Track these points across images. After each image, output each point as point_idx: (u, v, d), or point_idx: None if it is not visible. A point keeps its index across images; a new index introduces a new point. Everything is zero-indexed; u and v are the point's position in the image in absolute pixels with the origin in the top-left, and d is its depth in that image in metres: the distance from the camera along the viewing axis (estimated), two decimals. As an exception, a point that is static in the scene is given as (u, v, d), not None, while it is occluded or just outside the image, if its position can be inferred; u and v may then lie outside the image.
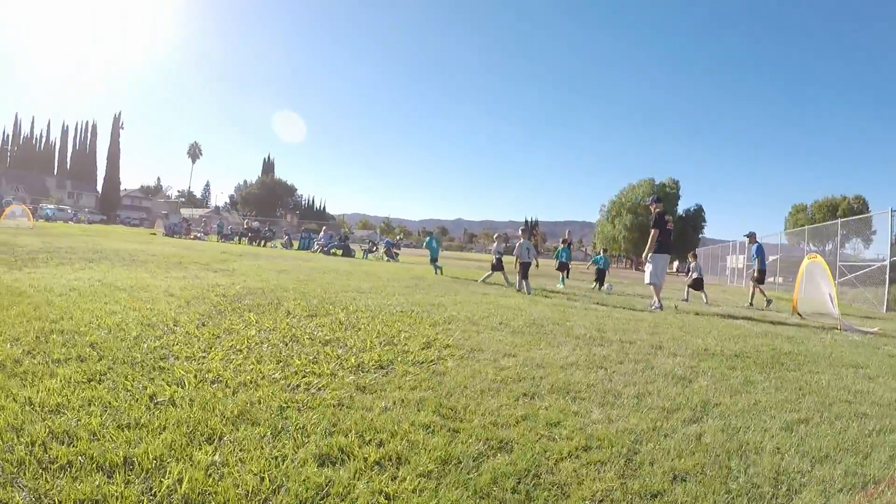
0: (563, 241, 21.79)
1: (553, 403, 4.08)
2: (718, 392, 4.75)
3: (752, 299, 17.19)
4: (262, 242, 37.22)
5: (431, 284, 13.55)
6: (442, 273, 18.76)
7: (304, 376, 4.26)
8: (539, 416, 3.76)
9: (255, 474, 2.59)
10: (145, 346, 4.70)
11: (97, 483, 2.39)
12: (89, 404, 3.23)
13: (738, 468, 3.13)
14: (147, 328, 5.35)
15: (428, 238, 21.69)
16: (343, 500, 2.49)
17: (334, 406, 3.64)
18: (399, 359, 5.08)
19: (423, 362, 5.06)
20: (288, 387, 3.98)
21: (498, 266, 16.59)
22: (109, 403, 3.27)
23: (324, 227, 40.05)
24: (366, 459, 2.88)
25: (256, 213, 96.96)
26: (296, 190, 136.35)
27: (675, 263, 17.62)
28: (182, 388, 3.72)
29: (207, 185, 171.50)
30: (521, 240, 15.29)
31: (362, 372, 4.57)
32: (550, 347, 6.17)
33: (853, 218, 28.78)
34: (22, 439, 2.72)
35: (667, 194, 79.61)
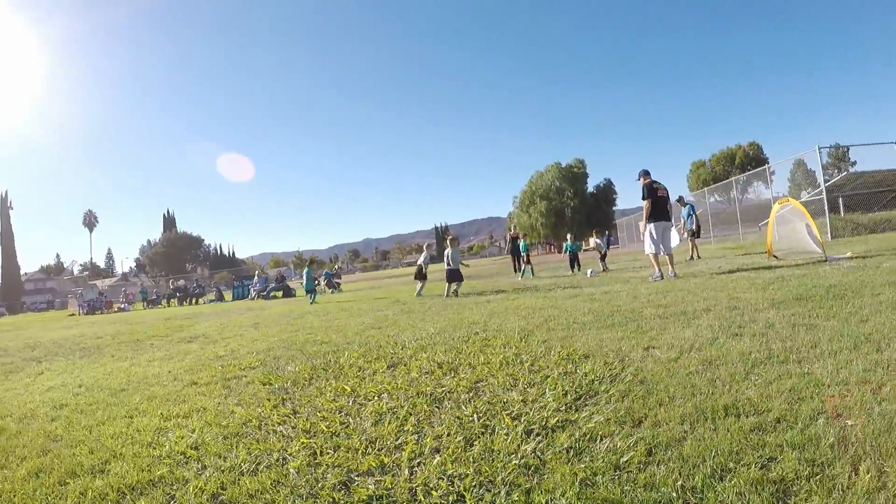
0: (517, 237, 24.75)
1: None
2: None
3: (694, 252, 19.77)
4: (194, 300, 36.20)
5: (423, 305, 12.80)
6: (313, 303, 19.24)
7: (550, 439, 3.38)
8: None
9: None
10: (292, 470, 3.27)
11: None
12: None
13: None
14: (245, 442, 3.86)
15: (306, 270, 24.13)
16: None
17: (645, 456, 2.92)
18: (583, 383, 4.40)
19: (612, 378, 4.42)
20: (569, 455, 3.09)
21: (420, 275, 17.45)
22: None
23: (256, 272, 38.87)
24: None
25: (167, 273, 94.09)
26: (203, 240, 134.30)
27: (591, 240, 17.35)
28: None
29: (110, 252, 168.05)
30: (449, 249, 15.75)
31: (584, 407, 3.88)
32: (667, 328, 6.12)
33: (788, 158, 30.22)
34: None
35: (575, 175, 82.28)
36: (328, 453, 3.46)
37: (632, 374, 4.44)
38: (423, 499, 2.76)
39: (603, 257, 19.80)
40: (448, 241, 16.34)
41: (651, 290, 9.99)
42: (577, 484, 2.70)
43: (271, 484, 3.07)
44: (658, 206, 13.03)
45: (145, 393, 5.80)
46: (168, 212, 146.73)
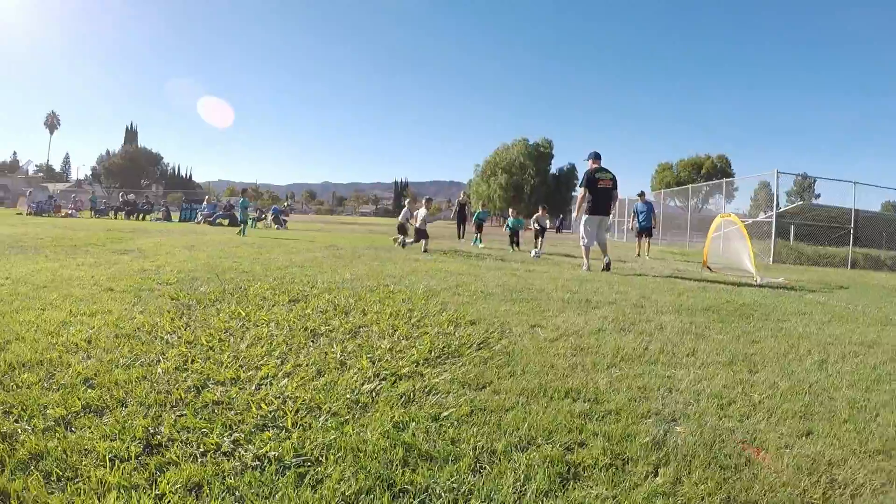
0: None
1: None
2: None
3: (647, 252, 19.48)
4: (141, 216, 35.44)
5: (355, 253, 12.93)
6: (244, 235, 19.48)
7: (391, 383, 3.64)
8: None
9: None
10: (160, 370, 3.61)
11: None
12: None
13: None
14: (132, 342, 4.21)
15: (242, 199, 22.96)
16: None
17: (467, 416, 3.11)
18: (453, 343, 4.60)
19: (480, 344, 4.65)
20: (396, 401, 3.32)
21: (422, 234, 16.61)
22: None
23: (206, 197, 38.44)
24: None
25: (121, 185, 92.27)
26: (161, 158, 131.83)
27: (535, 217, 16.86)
28: (285, 431, 2.86)
29: (67, 157, 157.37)
30: (422, 209, 16.28)
31: (439, 364, 4.09)
32: (564, 312, 6.31)
33: (747, 177, 30.58)
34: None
35: (540, 154, 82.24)
36: (197, 362, 3.82)
37: (503, 346, 4.64)
38: (254, 410, 3.06)
39: (540, 235, 18.33)
40: (424, 202, 17.38)
41: (573, 276, 10.14)
42: (389, 424, 2.91)
43: (137, 378, 3.45)
44: (598, 199, 11.88)
45: (63, 292, 6.06)
46: (131, 125, 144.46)
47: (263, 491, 2.24)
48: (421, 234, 15.58)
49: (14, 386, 3.25)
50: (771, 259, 21.81)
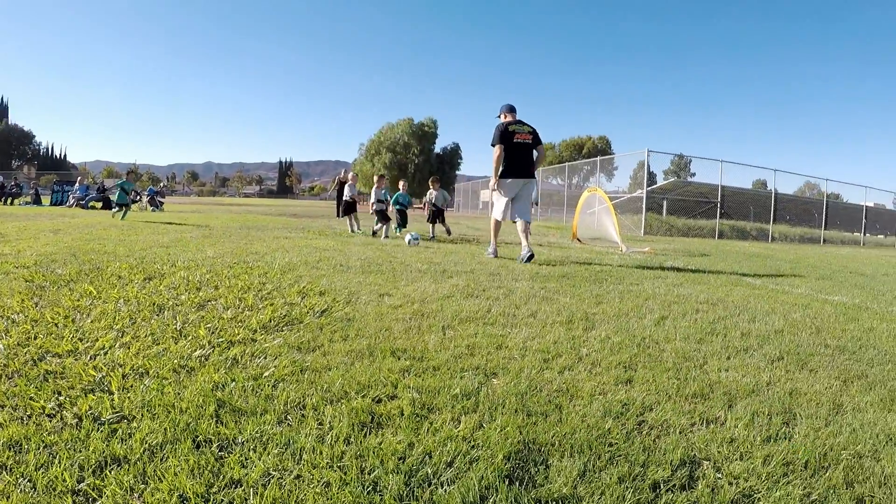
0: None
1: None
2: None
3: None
4: (9, 200, 33.66)
5: (225, 233, 12.85)
6: (124, 219, 17.51)
7: (223, 349, 3.66)
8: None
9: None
10: (1, 346, 3.55)
11: None
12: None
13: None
14: None
15: (124, 181, 19.74)
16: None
17: (288, 375, 3.16)
18: (295, 312, 4.68)
19: (323, 311, 4.73)
20: (223, 364, 3.35)
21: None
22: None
23: (78, 179, 36.72)
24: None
25: None
26: (34, 137, 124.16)
27: (429, 194, 15.00)
28: (120, 398, 2.82)
29: None
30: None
31: (276, 331, 4.11)
32: (418, 281, 6.41)
33: (626, 154, 31.60)
34: None
35: (425, 133, 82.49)
36: (40, 337, 3.74)
37: (345, 313, 4.70)
38: (82, 374, 3.08)
39: (438, 215, 15.83)
40: (376, 180, 15.19)
41: (442, 251, 10.24)
42: (209, 385, 2.97)
43: None
44: (514, 157, 9.29)
45: None
46: (1, 99, 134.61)
47: (77, 445, 2.29)
48: (383, 216, 14.34)
49: None
50: (642, 231, 22.78)
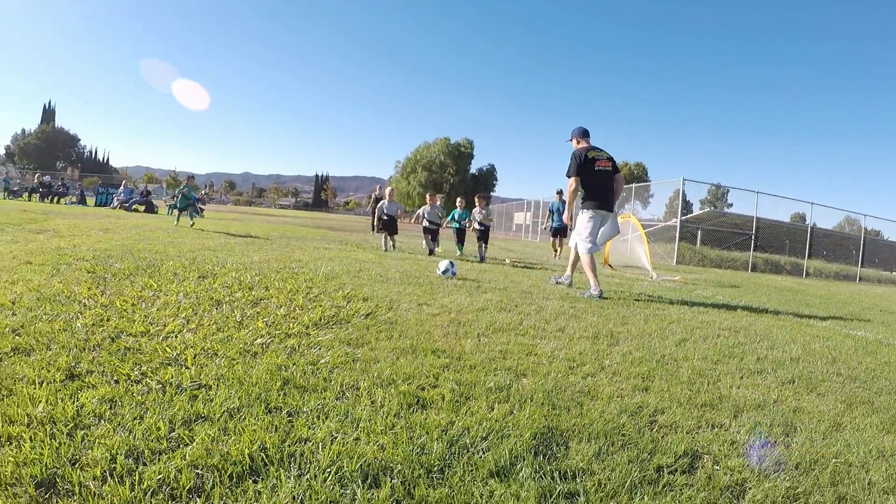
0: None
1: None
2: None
3: (559, 253, 17.99)
4: (56, 199, 34.22)
5: (268, 241, 13.33)
6: (177, 223, 17.48)
7: (281, 339, 4.10)
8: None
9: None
10: (79, 324, 3.99)
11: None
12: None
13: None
14: (52, 304, 4.54)
15: (188, 186, 18.95)
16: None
17: (341, 364, 3.59)
18: (343, 313, 5.10)
19: (368, 314, 5.14)
20: (283, 351, 3.79)
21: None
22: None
23: (123, 182, 37.64)
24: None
25: (36, 167, 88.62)
26: (79, 140, 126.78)
27: (476, 212, 14.82)
28: (190, 368, 3.32)
29: None
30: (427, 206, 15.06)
31: (327, 328, 4.54)
32: (454, 294, 6.71)
33: (660, 182, 31.76)
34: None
35: (461, 153, 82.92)
36: (112, 320, 4.24)
37: (388, 317, 5.13)
38: (160, 353, 3.53)
39: (483, 237, 14.63)
40: (429, 197, 15.38)
41: (476, 269, 10.60)
42: (273, 367, 3.43)
43: (59, 329, 3.84)
44: (598, 186, 8.39)
45: None
46: (49, 103, 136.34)
47: (164, 404, 2.71)
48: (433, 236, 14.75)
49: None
50: (675, 260, 22.86)
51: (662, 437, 2.83)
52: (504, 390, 3.31)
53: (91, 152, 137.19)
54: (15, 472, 1.95)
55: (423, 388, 3.22)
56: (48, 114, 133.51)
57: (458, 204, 15.28)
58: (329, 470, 2.15)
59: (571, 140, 8.60)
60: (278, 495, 1.94)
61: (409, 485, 2.12)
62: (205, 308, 4.88)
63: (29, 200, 33.97)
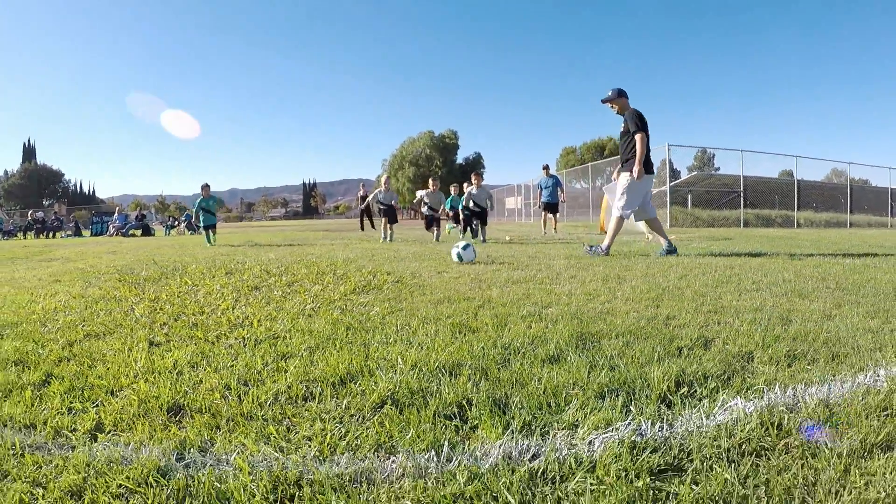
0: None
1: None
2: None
3: (554, 227, 18.66)
4: (51, 234, 34.00)
5: (274, 244, 13.86)
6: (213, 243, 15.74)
7: (327, 304, 4.56)
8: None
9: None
10: (137, 313, 4.42)
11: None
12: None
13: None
14: (103, 304, 4.92)
15: (213, 198, 17.79)
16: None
17: (389, 314, 3.97)
18: (374, 282, 5.65)
19: (396, 281, 5.69)
20: (334, 311, 4.26)
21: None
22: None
23: (117, 209, 37.77)
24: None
25: (23, 206, 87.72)
26: (63, 175, 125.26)
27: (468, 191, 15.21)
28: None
29: None
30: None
31: (364, 293, 5.04)
32: (458, 265, 7.18)
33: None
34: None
35: (446, 145, 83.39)
36: (166, 307, 4.70)
37: (415, 282, 5.69)
38: (224, 322, 4.02)
39: (478, 221, 14.68)
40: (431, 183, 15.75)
41: (481, 249, 11.04)
42: (332, 320, 3.93)
43: (120, 318, 4.26)
44: (648, 149, 8.38)
45: (14, 286, 6.41)
46: (28, 141, 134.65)
47: (251, 351, 3.16)
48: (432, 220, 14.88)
49: (19, 333, 3.88)
50: (668, 224, 23.29)
51: (677, 331, 3.33)
52: (535, 316, 3.82)
53: (76, 186, 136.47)
54: (142, 406, 2.34)
55: (465, 322, 3.71)
56: (28, 151, 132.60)
57: (451, 190, 16.51)
58: (413, 370, 2.63)
59: (620, 98, 8.47)
60: (378, 387, 2.39)
61: (482, 371, 2.61)
62: (246, 292, 5.34)
63: (24, 238, 33.16)
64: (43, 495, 1.62)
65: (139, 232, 30.85)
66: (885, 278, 5.53)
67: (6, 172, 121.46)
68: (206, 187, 17.18)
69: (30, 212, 42.49)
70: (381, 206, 14.74)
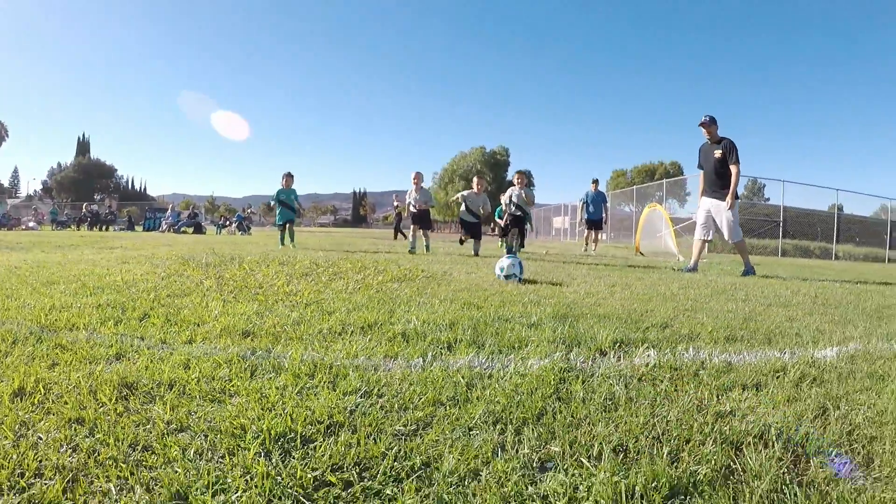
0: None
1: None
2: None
3: (594, 248, 18.19)
4: (104, 227, 34.69)
5: (321, 245, 14.85)
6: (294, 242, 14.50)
7: (365, 288, 5.34)
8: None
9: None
10: (207, 284, 5.24)
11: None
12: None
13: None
14: (175, 277, 5.75)
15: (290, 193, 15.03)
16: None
17: (414, 296, 4.71)
18: (408, 275, 6.51)
19: (428, 276, 6.51)
20: (369, 292, 5.06)
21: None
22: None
23: (171, 206, 38.82)
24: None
25: (74, 199, 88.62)
26: (115, 171, 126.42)
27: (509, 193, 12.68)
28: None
29: (16, 170, 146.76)
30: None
31: (397, 283, 5.85)
32: (486, 267, 7.55)
33: (689, 176, 32.32)
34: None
35: (497, 161, 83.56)
36: (229, 282, 5.52)
37: (443, 277, 6.52)
38: (281, 293, 4.89)
39: (517, 223, 12.70)
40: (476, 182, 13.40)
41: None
42: (367, 296, 4.78)
43: (194, 286, 5.13)
44: None
45: (86, 264, 7.04)
46: (83, 135, 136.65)
47: (299, 308, 4.07)
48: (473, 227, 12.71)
49: (112, 291, 4.70)
50: (707, 249, 23.50)
51: (646, 318, 4.08)
52: (535, 303, 4.62)
53: (128, 182, 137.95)
54: (223, 331, 3.14)
55: (477, 301, 4.59)
56: (83, 146, 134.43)
57: (515, 180, 13.02)
58: (424, 323, 3.52)
59: (713, 125, 8.97)
60: (393, 328, 3.33)
61: (474, 327, 3.47)
62: (296, 277, 6.12)
63: (77, 230, 33.51)
64: (160, 369, 2.46)
65: (191, 230, 31.30)
66: (876, 300, 5.94)
67: (59, 165, 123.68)
68: (288, 176, 14.81)
69: (85, 204, 43.12)
70: (414, 210, 12.96)
